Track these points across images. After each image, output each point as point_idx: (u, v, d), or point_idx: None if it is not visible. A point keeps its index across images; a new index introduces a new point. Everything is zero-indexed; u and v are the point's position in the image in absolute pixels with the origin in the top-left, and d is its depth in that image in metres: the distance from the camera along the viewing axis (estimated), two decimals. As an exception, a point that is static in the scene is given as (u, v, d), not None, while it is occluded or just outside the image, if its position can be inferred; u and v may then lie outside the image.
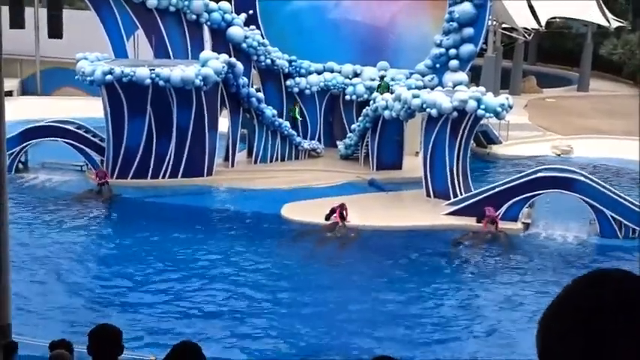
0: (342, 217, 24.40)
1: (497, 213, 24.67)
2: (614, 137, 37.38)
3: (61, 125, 28.98)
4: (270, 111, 30.06)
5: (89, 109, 33.16)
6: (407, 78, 30.97)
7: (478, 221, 24.72)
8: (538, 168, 27.22)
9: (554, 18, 53.59)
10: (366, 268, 21.80)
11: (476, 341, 17.72)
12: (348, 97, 31.91)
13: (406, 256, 22.63)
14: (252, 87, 30.35)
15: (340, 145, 31.81)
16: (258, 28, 31.56)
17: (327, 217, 24.44)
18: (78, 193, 27.14)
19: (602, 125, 40.09)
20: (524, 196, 24.96)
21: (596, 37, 53.67)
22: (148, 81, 26.74)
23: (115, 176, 27.85)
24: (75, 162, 29.10)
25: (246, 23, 31.24)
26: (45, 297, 18.86)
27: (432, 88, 28.75)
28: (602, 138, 37.32)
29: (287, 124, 30.83)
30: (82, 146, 28.60)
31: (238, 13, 31.14)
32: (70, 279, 20.16)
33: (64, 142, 28.56)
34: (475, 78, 38.69)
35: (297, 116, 31.99)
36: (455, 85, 28.89)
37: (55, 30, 41.14)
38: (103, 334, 5.17)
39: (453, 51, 30.37)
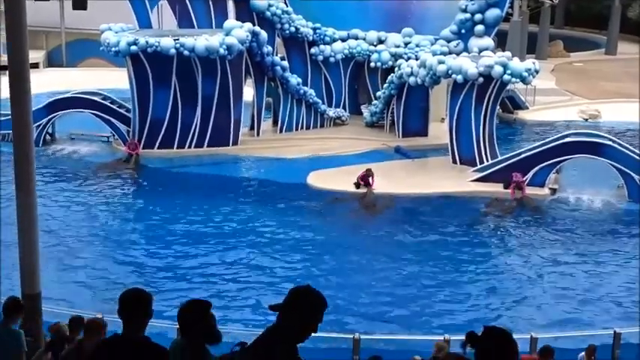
0: (368, 184, 24.42)
1: (525, 178, 24.56)
2: (642, 101, 36.93)
3: (87, 96, 29.12)
4: (294, 79, 30.00)
5: (115, 80, 33.30)
6: (432, 44, 30.74)
7: (505, 187, 24.63)
8: (565, 133, 27.02)
9: (582, -20, 52.88)
10: (393, 236, 21.79)
11: (506, 308, 17.71)
12: (372, 65, 31.74)
13: (433, 224, 22.58)
14: (276, 55, 30.27)
15: (365, 112, 31.71)
16: (281, -5, 31.41)
17: (357, 186, 24.47)
18: (105, 162, 27.32)
19: (630, 89, 39.61)
20: (551, 161, 24.80)
21: (624, 0, 52.92)
22: (173, 51, 26.74)
23: (141, 146, 27.98)
24: (101, 133, 29.27)
25: (270, -9, 31.06)
26: (73, 266, 19.06)
27: (458, 54, 28.53)
28: (630, 102, 36.88)
29: (312, 92, 30.76)
30: (108, 117, 28.74)
31: (262, -19, 30.96)
32: (97, 248, 20.35)
33: (91, 113, 28.71)
34: (501, 43, 38.32)
35: None
36: (481, 51, 28.65)
37: (80, 1, 41.38)
38: (134, 297, 5.21)
39: (478, 16, 30.06)
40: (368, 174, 24.53)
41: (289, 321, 4.29)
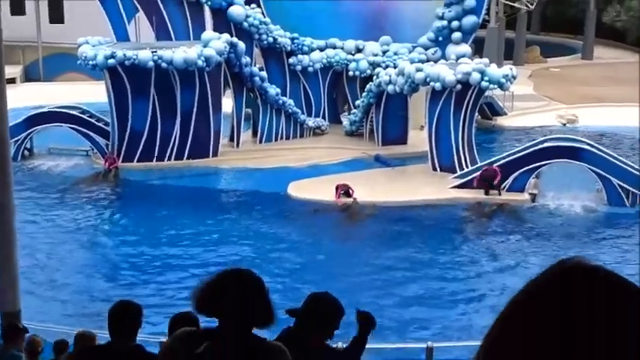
0: (348, 195, 24.44)
1: (498, 178, 24.66)
2: (619, 105, 37.20)
3: (65, 111, 29.01)
4: (273, 90, 30.01)
5: (93, 94, 33.13)
6: (410, 52, 30.84)
7: (486, 193, 24.75)
8: (544, 138, 27.17)
9: (557, -14, 53.26)
10: (375, 244, 21.81)
11: (485, 312, 17.77)
12: (351, 73, 31.79)
13: (414, 231, 22.64)
14: (254, 66, 30.27)
15: (345, 121, 31.77)
16: (259, 6, 31.43)
17: (337, 196, 24.51)
18: (84, 177, 27.22)
19: (607, 93, 39.92)
20: (530, 166, 24.93)
21: (599, 4, 53.34)
22: (151, 63, 26.70)
23: (120, 160, 27.89)
24: (80, 147, 29.15)
25: (247, 2, 31.07)
26: (53, 281, 18.95)
27: (435, 62, 28.64)
28: (608, 106, 37.15)
29: (291, 102, 30.78)
30: (86, 131, 28.64)
31: (239, -8, 30.97)
32: (78, 263, 20.25)
33: (69, 127, 28.60)
34: (478, 50, 38.49)
35: None
36: (458, 58, 28.78)
37: (56, 15, 41.29)
38: (123, 309, 5.19)
39: (455, 23, 30.21)
40: (345, 188, 24.53)
41: (305, 326, 4.32)
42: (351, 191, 24.45)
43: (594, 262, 1.25)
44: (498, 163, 25.25)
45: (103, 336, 5.93)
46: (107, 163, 27.36)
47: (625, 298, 1.21)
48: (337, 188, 24.45)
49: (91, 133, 28.65)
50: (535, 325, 1.21)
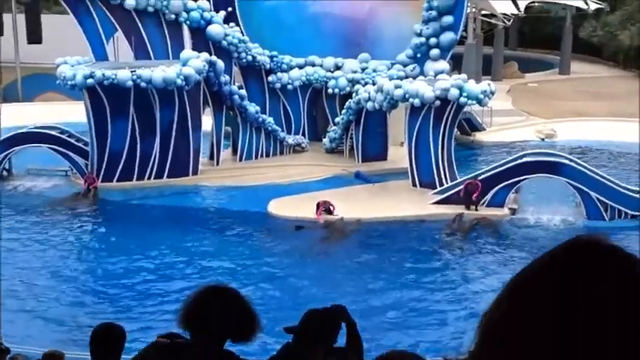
0: (329, 212, 24.44)
1: (478, 191, 24.79)
2: (597, 119, 37.55)
3: (44, 131, 28.90)
4: (253, 108, 30.04)
5: (72, 114, 33.06)
6: (388, 69, 30.99)
7: (467, 207, 24.84)
8: (523, 153, 27.30)
9: (533, 2, 53.82)
10: (356, 260, 21.81)
11: (465, 328, 17.78)
12: (330, 91, 31.90)
13: (396, 247, 22.66)
14: (234, 84, 30.30)
15: (325, 138, 31.83)
16: (237, 25, 31.52)
17: (318, 213, 24.51)
18: (64, 197, 27.07)
19: (584, 107, 40.26)
20: (510, 181, 25.04)
21: (576, 20, 53.87)
22: (130, 83, 26.66)
23: (100, 179, 27.78)
24: (59, 167, 29.02)
25: (226, 21, 31.17)
26: (33, 302, 18.80)
27: (414, 78, 28.77)
28: (585, 120, 37.46)
29: (271, 120, 30.82)
30: (65, 151, 28.53)
31: (217, 11, 31.07)
32: (58, 283, 20.10)
33: (48, 147, 28.48)
34: (456, 66, 38.72)
35: None
36: (436, 74, 28.92)
37: (35, 35, 41.15)
38: (106, 332, 5.16)
39: (433, 40, 30.39)
40: (327, 206, 24.55)
41: (303, 342, 4.35)
42: (332, 208, 24.47)
43: (611, 241, 1.23)
44: (478, 179, 25.34)
45: (75, 357, 5.89)
46: (86, 183, 27.25)
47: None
48: (318, 205, 24.46)
49: (70, 153, 28.54)
50: (545, 302, 1.17)
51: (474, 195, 24.78)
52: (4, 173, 28.79)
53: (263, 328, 3.73)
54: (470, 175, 25.90)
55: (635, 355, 1.13)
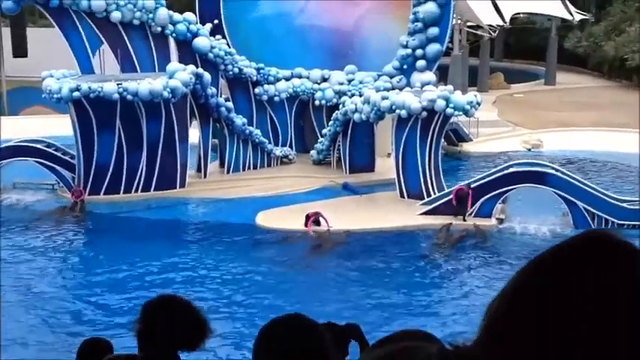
0: (318, 223, 24.43)
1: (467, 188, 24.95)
2: (582, 129, 37.73)
3: (30, 144, 28.78)
4: (240, 120, 30.03)
5: (58, 127, 32.95)
6: (375, 80, 31.06)
7: (456, 216, 24.91)
8: (510, 163, 27.39)
9: (518, 14, 54.08)
10: (344, 272, 21.79)
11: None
12: (317, 102, 31.94)
13: (385, 258, 22.64)
14: (220, 97, 30.30)
15: (312, 150, 31.84)
16: (224, 37, 31.54)
17: (306, 224, 24.49)
18: (50, 210, 26.95)
19: (570, 118, 40.44)
20: (497, 191, 25.10)
21: (561, 31, 54.22)
22: (116, 96, 26.60)
23: (87, 193, 27.68)
24: (46, 181, 28.90)
25: (212, 33, 31.18)
26: (18, 317, 18.67)
27: (401, 89, 28.87)
28: (571, 130, 37.63)
29: (258, 132, 30.82)
30: (52, 164, 28.42)
31: (203, 24, 31.08)
32: (44, 299, 19.98)
33: (34, 161, 28.37)
34: (443, 77, 38.87)
35: None
36: (423, 85, 29.00)
37: (20, 49, 41.11)
38: (92, 347, 5.12)
39: (419, 51, 30.49)
40: (317, 217, 24.54)
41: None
42: (322, 219, 24.43)
43: (622, 236, 1.21)
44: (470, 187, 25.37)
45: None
46: (74, 196, 27.16)
47: None
48: (308, 217, 24.43)
49: (57, 167, 28.44)
50: (554, 292, 1.16)
51: (469, 202, 24.83)
52: (-10, 187, 28.63)
53: (213, 332, 3.75)
54: (462, 183, 25.91)
55: None
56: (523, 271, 1.21)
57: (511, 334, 1.16)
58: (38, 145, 28.76)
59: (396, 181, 27.23)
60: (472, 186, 25.27)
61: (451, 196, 25.20)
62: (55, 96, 27.04)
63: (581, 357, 1.11)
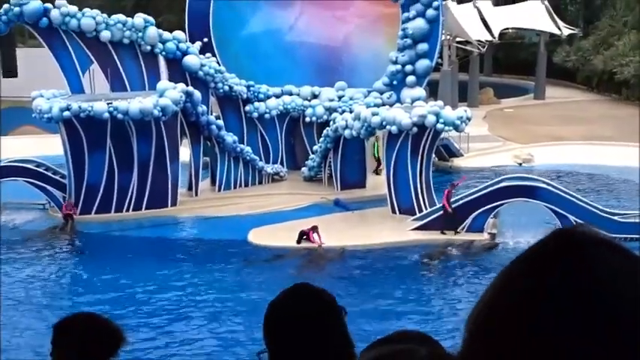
0: (308, 239, 24.41)
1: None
2: (572, 143, 37.83)
3: (20, 165, 28.71)
4: (230, 137, 30.03)
5: (49, 147, 32.90)
6: (365, 96, 31.13)
7: (443, 233, 24.95)
8: (501, 178, 27.42)
9: (507, 29, 54.32)
10: (339, 287, 21.74)
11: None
12: (308, 119, 31.97)
13: (377, 274, 22.62)
14: (211, 114, 30.30)
15: (303, 167, 31.84)
16: (213, 55, 31.58)
17: (299, 241, 24.44)
18: (41, 230, 26.86)
19: (560, 132, 40.55)
20: (488, 206, 25.13)
21: (549, 46, 54.44)
22: (106, 115, 26.58)
23: (78, 212, 27.60)
24: (37, 201, 28.81)
25: (202, 51, 31.23)
26: (7, 340, 18.57)
27: (391, 105, 28.92)
28: (561, 144, 37.74)
29: (249, 149, 30.82)
30: (43, 184, 28.35)
31: (193, 42, 31.13)
32: (35, 321, 19.87)
33: (25, 181, 28.29)
34: (433, 92, 38.97)
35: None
36: (413, 101, 29.05)
37: (10, 69, 40.97)
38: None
39: (409, 67, 30.58)
40: (314, 230, 24.54)
41: None
42: (316, 234, 24.41)
43: (598, 230, 1.20)
44: (456, 204, 25.40)
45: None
46: (66, 210, 27.06)
47: (631, 267, 1.14)
48: (302, 233, 24.38)
49: (48, 187, 28.37)
50: (531, 298, 1.13)
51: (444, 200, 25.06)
52: (-19, 208, 28.53)
53: (128, 342, 3.83)
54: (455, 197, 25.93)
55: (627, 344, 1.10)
56: (499, 276, 1.20)
57: (492, 340, 1.15)
58: (28, 165, 28.70)
59: (388, 197, 27.23)
60: (460, 202, 25.28)
61: (443, 201, 25.23)
62: (45, 116, 27.01)
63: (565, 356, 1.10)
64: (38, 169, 28.65)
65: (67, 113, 26.62)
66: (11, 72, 41.59)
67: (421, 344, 1.30)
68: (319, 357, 2.65)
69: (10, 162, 29.03)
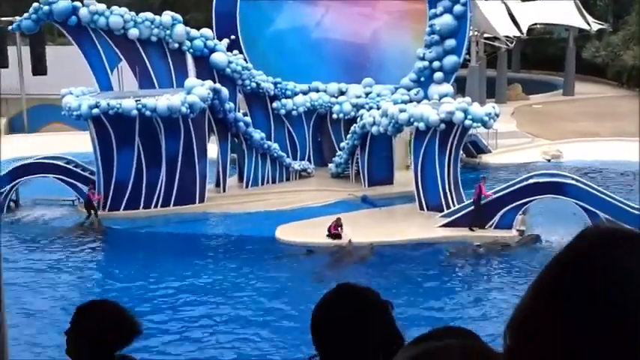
0: (338, 236, 24.41)
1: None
2: (602, 139, 37.52)
3: (50, 161, 28.97)
4: (258, 134, 30.08)
5: (78, 144, 33.15)
6: (392, 93, 31.05)
7: (471, 229, 24.85)
8: (530, 174, 27.24)
9: (535, 24, 53.93)
10: (368, 284, 21.71)
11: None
12: (335, 116, 31.96)
13: (406, 270, 22.57)
14: (238, 111, 30.37)
15: (331, 164, 31.84)
16: (241, 52, 31.66)
17: (332, 236, 24.49)
18: (70, 226, 27.06)
19: (589, 128, 40.23)
20: (517, 203, 24.97)
21: (578, 41, 54.01)
22: (135, 112, 26.72)
23: (107, 208, 27.80)
24: (66, 197, 29.05)
25: (229, 48, 31.32)
26: (39, 333, 18.73)
27: (418, 102, 28.82)
28: (591, 141, 37.43)
29: (276, 146, 30.85)
30: (72, 181, 28.57)
31: (220, 39, 31.22)
32: (67, 313, 20.02)
33: (55, 177, 28.54)
34: (460, 89, 38.81)
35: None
36: (441, 97, 28.96)
37: (39, 67, 41.40)
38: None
39: (436, 63, 30.46)
40: (338, 224, 24.57)
41: None
42: (340, 230, 24.45)
43: (624, 229, 1.19)
44: (485, 201, 25.27)
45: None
46: (92, 196, 27.31)
47: None
48: (331, 228, 24.46)
49: (77, 183, 28.58)
50: (553, 300, 1.15)
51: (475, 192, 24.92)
52: (12, 204, 28.81)
53: (143, 332, 3.86)
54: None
55: None
56: (542, 272, 1.21)
57: (535, 335, 1.16)
58: (58, 162, 28.95)
59: (415, 193, 27.15)
60: (489, 199, 25.14)
61: (474, 197, 25.13)
62: (74, 113, 27.22)
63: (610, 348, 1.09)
64: (68, 165, 28.88)
65: (95, 110, 26.80)
66: (41, 70, 42.00)
67: (463, 339, 1.29)
68: (369, 354, 2.69)
69: (40, 159, 29.30)
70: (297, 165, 31.63)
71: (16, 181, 28.35)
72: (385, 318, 2.75)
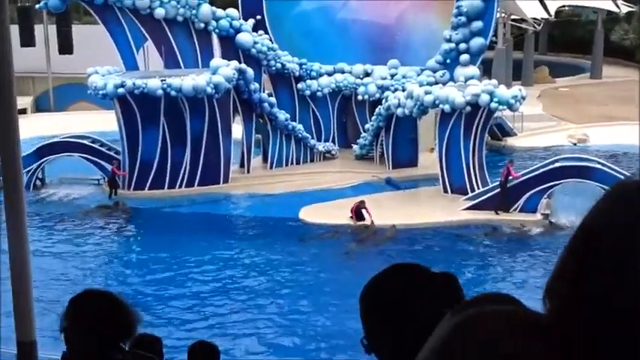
0: (361, 217, 24.40)
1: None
2: (629, 123, 37.10)
3: (76, 140, 29.13)
4: (283, 115, 30.07)
5: (103, 123, 33.30)
6: (418, 75, 30.89)
7: (497, 213, 24.75)
8: (555, 158, 27.10)
9: (563, 7, 53.45)
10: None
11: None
12: (360, 97, 31.88)
13: (431, 252, 22.54)
14: (263, 92, 30.36)
15: (355, 145, 31.78)
16: (266, 32, 31.59)
17: (358, 218, 24.48)
18: (96, 205, 27.21)
19: (616, 112, 39.83)
20: (542, 186, 24.85)
21: (607, 24, 53.42)
22: (160, 92, 26.79)
23: (132, 188, 27.95)
24: (91, 176, 29.23)
25: (255, 29, 31.26)
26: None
27: (444, 84, 28.68)
28: (618, 125, 37.06)
29: (301, 127, 30.83)
30: (97, 160, 28.73)
31: (246, 19, 31.17)
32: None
33: (80, 156, 28.70)
34: (486, 71, 38.54)
35: None
36: (467, 80, 28.80)
37: (66, 46, 41.55)
38: (144, 342, 5.16)
39: (463, 45, 30.26)
40: (360, 206, 24.55)
41: None
42: (365, 211, 24.42)
43: None
44: (510, 184, 25.15)
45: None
46: (116, 171, 27.53)
47: None
48: (355, 208, 24.47)
49: (102, 162, 28.73)
50: (585, 252, 1.14)
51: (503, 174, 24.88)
52: (38, 182, 29.03)
53: (142, 322, 3.83)
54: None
55: None
56: (583, 221, 1.20)
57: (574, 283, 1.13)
58: (84, 141, 29.10)
59: (440, 176, 27.07)
60: (514, 182, 25.02)
61: (501, 178, 25.03)
62: (100, 92, 27.33)
63: None
64: (93, 144, 29.03)
65: (121, 90, 26.89)
66: (67, 49, 42.14)
67: (505, 305, 1.27)
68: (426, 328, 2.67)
69: (66, 138, 29.46)
70: (321, 146, 31.60)
71: (43, 160, 28.55)
72: (445, 291, 2.72)
